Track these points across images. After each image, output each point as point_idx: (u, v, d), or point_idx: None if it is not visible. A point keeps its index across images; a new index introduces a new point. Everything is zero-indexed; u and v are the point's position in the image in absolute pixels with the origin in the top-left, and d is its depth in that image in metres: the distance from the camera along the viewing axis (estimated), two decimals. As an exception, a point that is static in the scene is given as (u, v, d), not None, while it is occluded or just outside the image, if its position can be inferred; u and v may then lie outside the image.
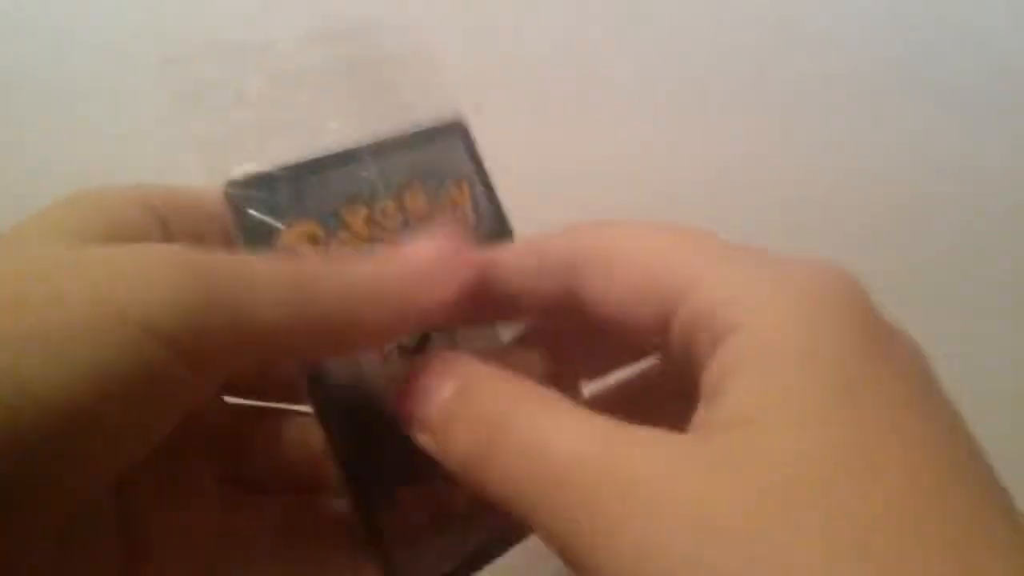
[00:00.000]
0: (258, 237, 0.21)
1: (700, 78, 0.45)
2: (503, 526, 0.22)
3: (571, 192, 0.45)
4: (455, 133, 0.23)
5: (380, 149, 0.23)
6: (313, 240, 0.22)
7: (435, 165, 0.23)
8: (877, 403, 0.15)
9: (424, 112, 0.24)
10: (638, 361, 0.24)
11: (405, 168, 0.23)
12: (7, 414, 0.13)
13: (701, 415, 0.17)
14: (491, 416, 0.18)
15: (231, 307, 0.16)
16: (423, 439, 0.20)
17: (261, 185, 0.21)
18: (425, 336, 0.23)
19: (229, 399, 0.24)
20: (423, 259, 0.20)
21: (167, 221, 0.20)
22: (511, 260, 0.21)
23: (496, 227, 0.24)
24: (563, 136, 0.45)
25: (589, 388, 0.25)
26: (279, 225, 0.21)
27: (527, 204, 0.46)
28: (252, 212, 0.21)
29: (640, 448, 0.16)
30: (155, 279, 0.16)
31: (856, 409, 0.15)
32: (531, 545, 0.20)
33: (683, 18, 0.45)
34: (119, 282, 0.15)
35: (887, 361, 0.16)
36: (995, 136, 0.46)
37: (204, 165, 0.21)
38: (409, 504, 0.22)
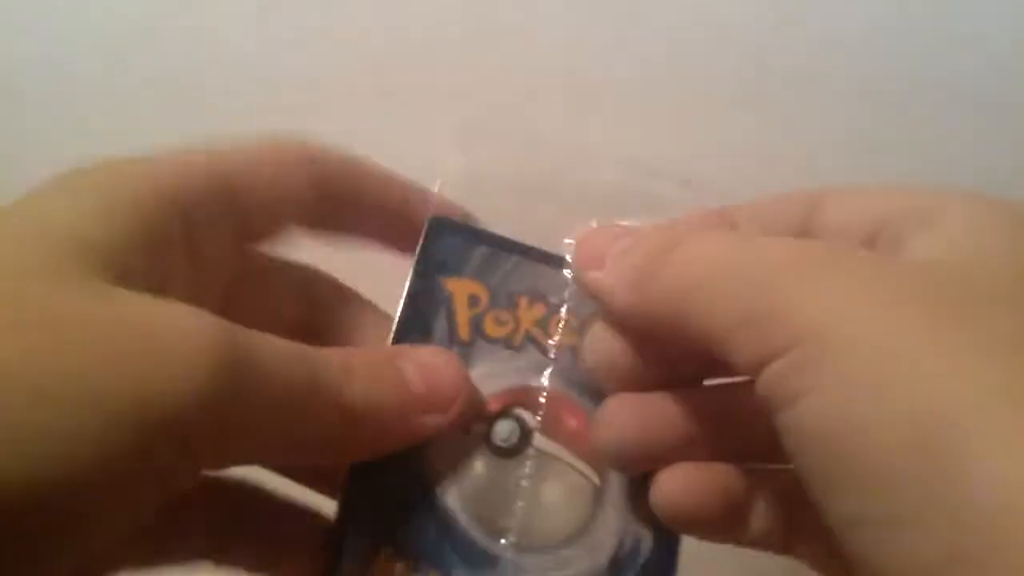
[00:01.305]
0: (433, 268, 0.23)
1: (700, 78, 0.45)
2: None
3: (571, 192, 0.45)
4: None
5: None
6: (472, 302, 0.23)
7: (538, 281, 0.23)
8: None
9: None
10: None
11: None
12: None
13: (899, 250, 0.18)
14: (661, 240, 0.19)
15: (248, 412, 0.16)
16: (592, 276, 0.20)
17: (466, 232, 0.23)
18: (520, 444, 0.22)
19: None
20: (423, 383, 0.20)
21: (184, 212, 0.19)
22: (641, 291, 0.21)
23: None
24: (562, 136, 0.45)
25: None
26: (455, 271, 0.23)
27: (527, 203, 0.46)
28: (441, 246, 0.22)
29: (826, 249, 0.17)
30: (185, 374, 0.15)
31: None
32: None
33: (683, 18, 0.45)
34: (147, 372, 0.14)
35: None
36: (996, 136, 0.46)
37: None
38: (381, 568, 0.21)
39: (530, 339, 0.23)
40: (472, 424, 0.22)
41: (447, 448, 0.22)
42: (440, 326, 0.22)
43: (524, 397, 0.22)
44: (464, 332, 0.22)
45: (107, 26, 0.44)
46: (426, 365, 0.20)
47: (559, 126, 0.45)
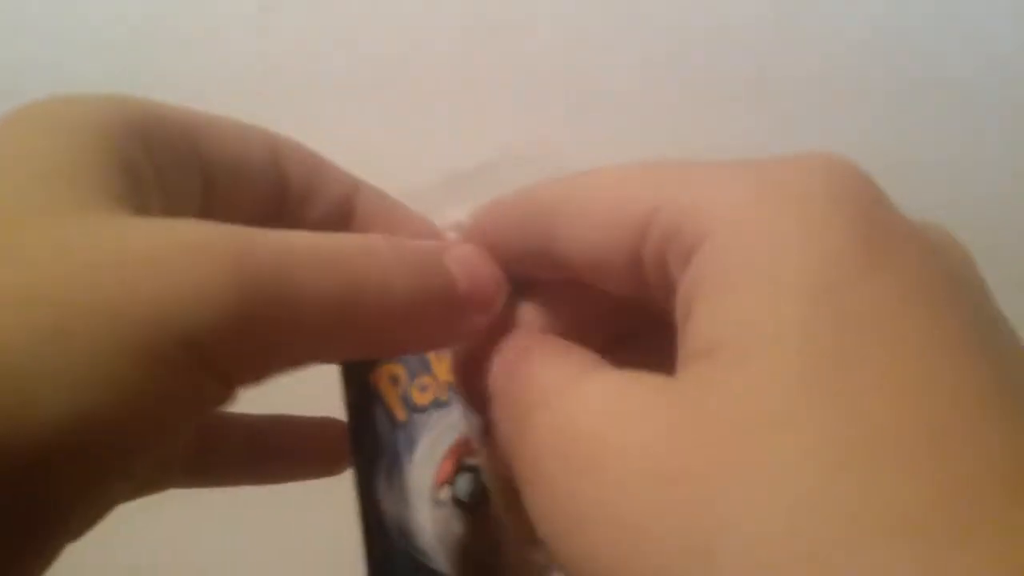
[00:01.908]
0: (356, 370, 0.23)
1: (700, 78, 0.45)
2: None
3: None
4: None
5: None
6: (394, 381, 0.23)
7: None
8: (868, 325, 0.12)
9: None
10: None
11: None
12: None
13: (679, 340, 0.15)
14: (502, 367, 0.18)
15: (275, 324, 0.15)
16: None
17: None
18: (484, 491, 0.22)
19: None
20: (468, 281, 0.18)
21: (151, 148, 0.18)
22: (498, 219, 0.20)
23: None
24: (562, 137, 0.45)
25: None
26: (373, 363, 0.23)
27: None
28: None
29: (594, 391, 0.14)
30: (206, 292, 0.14)
31: (840, 331, 0.12)
32: None
33: (683, 18, 0.45)
34: (167, 293, 0.14)
35: (886, 261, 0.13)
36: (996, 137, 0.46)
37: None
38: None
39: (451, 389, 0.22)
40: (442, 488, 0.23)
41: (430, 520, 0.22)
42: (381, 419, 0.22)
43: (468, 447, 0.22)
44: (400, 413, 0.22)
45: (108, 27, 0.44)
46: (467, 262, 0.19)
47: (559, 126, 0.45)
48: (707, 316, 0.14)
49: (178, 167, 0.18)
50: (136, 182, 0.17)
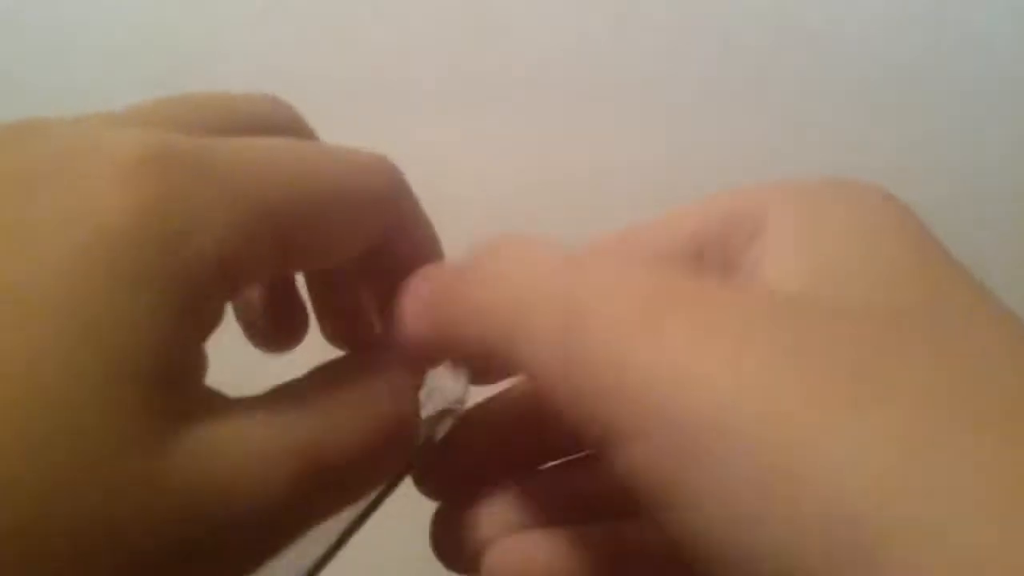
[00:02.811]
0: None
1: (699, 79, 0.45)
2: None
3: (569, 193, 0.45)
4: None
5: None
6: None
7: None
8: (946, 279, 0.14)
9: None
10: None
11: None
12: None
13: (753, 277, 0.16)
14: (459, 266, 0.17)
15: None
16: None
17: None
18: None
19: None
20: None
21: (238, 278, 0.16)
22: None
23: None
24: (561, 137, 0.45)
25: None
26: None
27: (527, 204, 0.46)
28: None
29: (686, 274, 0.15)
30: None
31: (904, 276, 0.14)
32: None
33: (683, 19, 0.45)
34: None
35: (943, 261, 0.15)
36: (995, 137, 0.46)
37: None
38: None
39: None
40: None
41: None
42: None
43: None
44: None
45: (109, 28, 0.44)
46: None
47: (558, 127, 0.45)
48: (790, 254, 0.15)
49: (257, 255, 0.16)
50: (203, 330, 0.15)
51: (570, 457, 0.21)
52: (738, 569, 0.12)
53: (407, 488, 0.21)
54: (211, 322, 0.15)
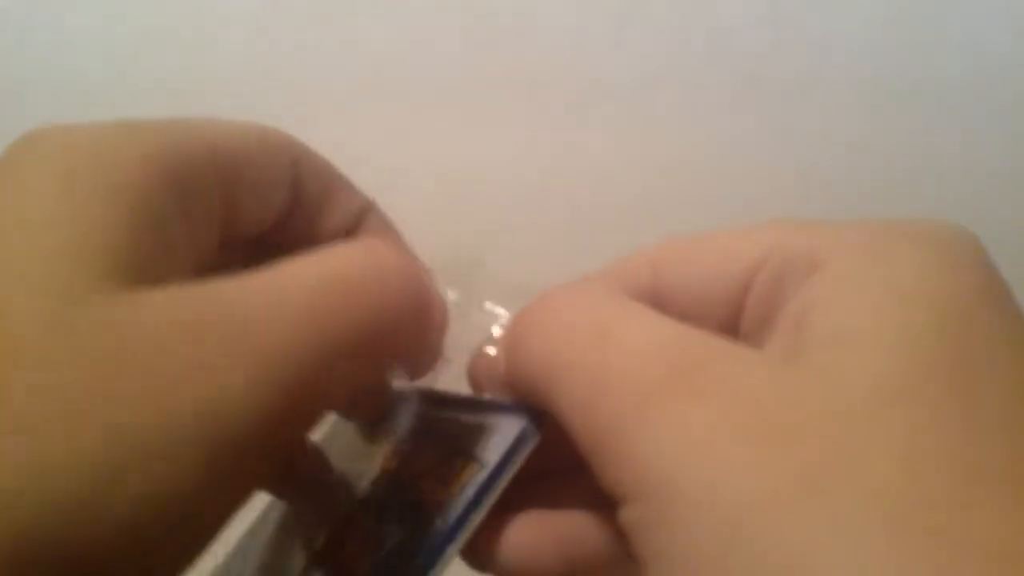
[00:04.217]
0: None
1: (697, 80, 0.45)
2: None
3: (568, 194, 0.45)
4: (518, 430, 0.20)
5: (442, 401, 0.23)
6: None
7: (470, 436, 0.21)
8: (986, 338, 0.14)
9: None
10: None
11: (446, 425, 0.22)
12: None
13: (781, 342, 0.15)
14: (561, 302, 0.18)
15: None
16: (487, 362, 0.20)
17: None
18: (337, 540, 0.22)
19: None
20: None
21: (181, 193, 0.17)
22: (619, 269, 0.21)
23: (440, 534, 0.19)
24: (561, 138, 0.45)
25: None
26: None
27: (525, 205, 0.46)
28: None
29: (712, 341, 0.15)
30: (234, 382, 0.14)
31: (964, 337, 0.14)
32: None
33: (681, 20, 0.45)
34: (201, 389, 0.14)
35: (1003, 309, 0.14)
36: (994, 136, 0.46)
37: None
38: None
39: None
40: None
41: None
42: None
43: None
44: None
45: (109, 27, 0.44)
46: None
47: (558, 127, 0.45)
48: (830, 318, 0.15)
49: (204, 200, 0.18)
50: (163, 240, 0.16)
51: None
52: None
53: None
54: (163, 224, 0.16)
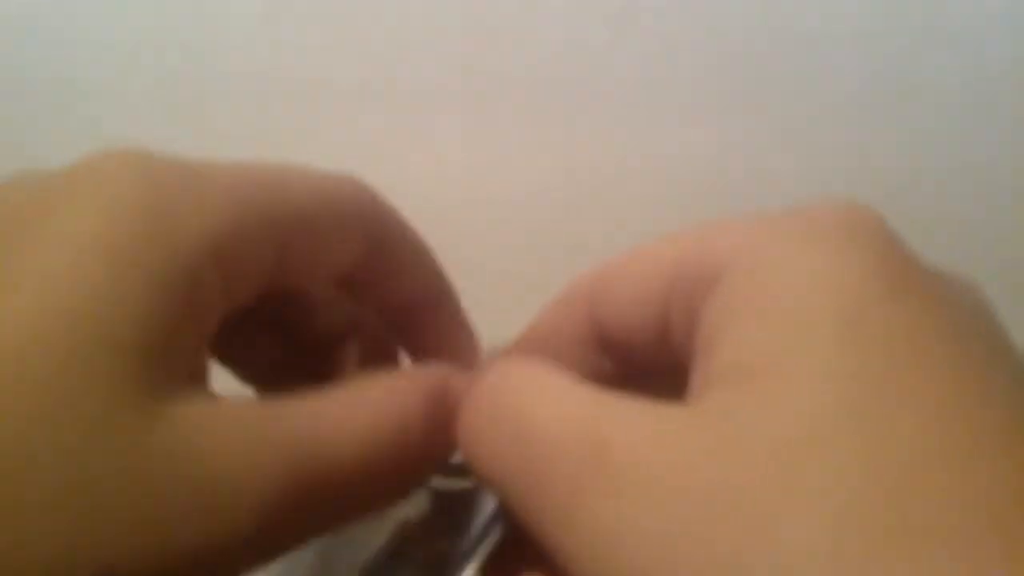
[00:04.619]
0: None
1: (695, 82, 0.45)
2: None
3: (568, 195, 0.45)
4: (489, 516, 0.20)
5: None
6: None
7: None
8: (894, 348, 0.13)
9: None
10: None
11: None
12: None
13: (694, 376, 0.15)
14: (480, 389, 0.17)
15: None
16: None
17: None
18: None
19: None
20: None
21: (231, 273, 0.16)
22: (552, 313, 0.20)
23: None
24: (560, 139, 0.45)
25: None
26: None
27: (527, 204, 0.46)
28: None
29: (621, 414, 0.14)
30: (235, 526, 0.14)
31: (867, 354, 0.13)
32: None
33: (678, 22, 0.45)
34: (203, 524, 0.14)
35: (905, 291, 0.13)
36: (990, 142, 0.46)
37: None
38: None
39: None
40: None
41: None
42: None
43: None
44: None
45: (111, 31, 0.44)
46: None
47: (557, 128, 0.45)
48: (732, 343, 0.14)
49: (252, 276, 0.17)
50: (203, 322, 0.16)
51: None
52: None
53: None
54: (205, 311, 0.16)
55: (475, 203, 0.44)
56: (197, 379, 0.16)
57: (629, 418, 0.14)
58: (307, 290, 0.21)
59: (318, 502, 0.15)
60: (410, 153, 0.44)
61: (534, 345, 0.19)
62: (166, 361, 0.14)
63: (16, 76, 0.43)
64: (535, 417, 0.15)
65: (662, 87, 0.45)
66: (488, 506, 0.19)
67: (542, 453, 0.14)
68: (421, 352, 0.23)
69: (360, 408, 0.16)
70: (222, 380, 0.19)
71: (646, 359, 0.18)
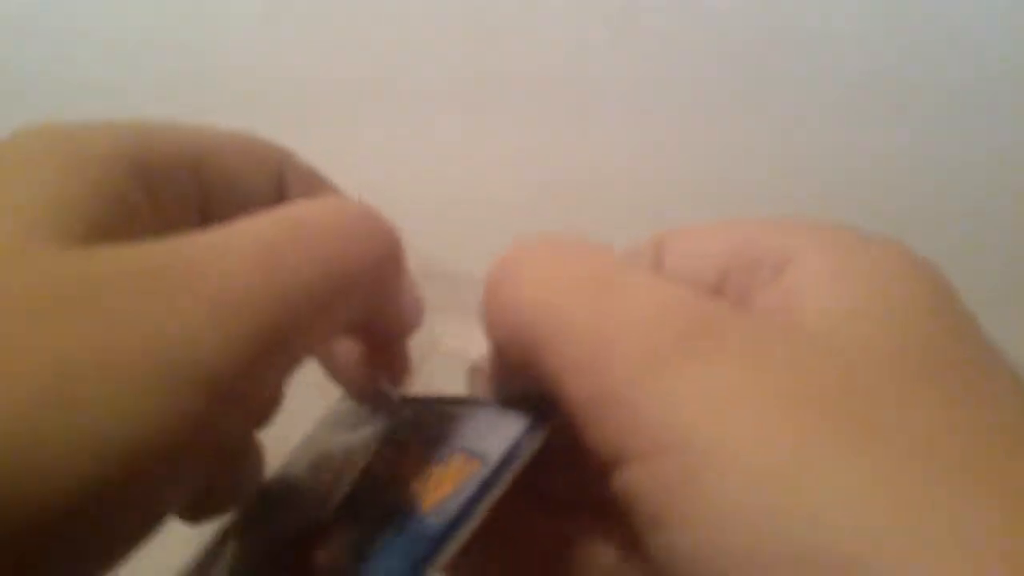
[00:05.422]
0: None
1: (694, 82, 0.46)
2: None
3: (567, 194, 0.45)
4: (523, 424, 0.18)
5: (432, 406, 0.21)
6: None
7: (465, 433, 0.19)
8: (952, 322, 0.14)
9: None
10: None
11: (436, 423, 0.20)
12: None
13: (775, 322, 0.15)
14: (513, 253, 0.17)
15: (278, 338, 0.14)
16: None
17: None
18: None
19: None
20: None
21: (147, 177, 0.17)
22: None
23: (442, 527, 0.17)
24: (560, 139, 0.45)
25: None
26: None
27: (527, 205, 0.46)
28: None
29: (722, 306, 0.15)
30: (208, 322, 0.13)
31: (936, 319, 0.14)
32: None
33: (678, 22, 0.45)
34: (168, 321, 0.13)
35: (954, 304, 0.15)
36: (993, 137, 0.46)
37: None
38: None
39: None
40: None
41: None
42: None
43: None
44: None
45: (111, 31, 0.44)
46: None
47: (557, 127, 0.45)
48: (823, 297, 0.15)
49: (173, 189, 0.18)
50: (123, 211, 0.16)
51: None
52: None
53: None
54: (125, 206, 0.16)
55: (475, 203, 0.44)
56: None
57: (735, 311, 0.15)
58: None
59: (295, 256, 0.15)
60: (410, 153, 0.44)
61: None
62: (83, 225, 0.14)
63: (16, 76, 0.43)
64: (632, 284, 0.15)
65: (662, 87, 0.45)
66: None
67: (640, 319, 0.14)
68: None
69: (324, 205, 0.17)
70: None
71: None
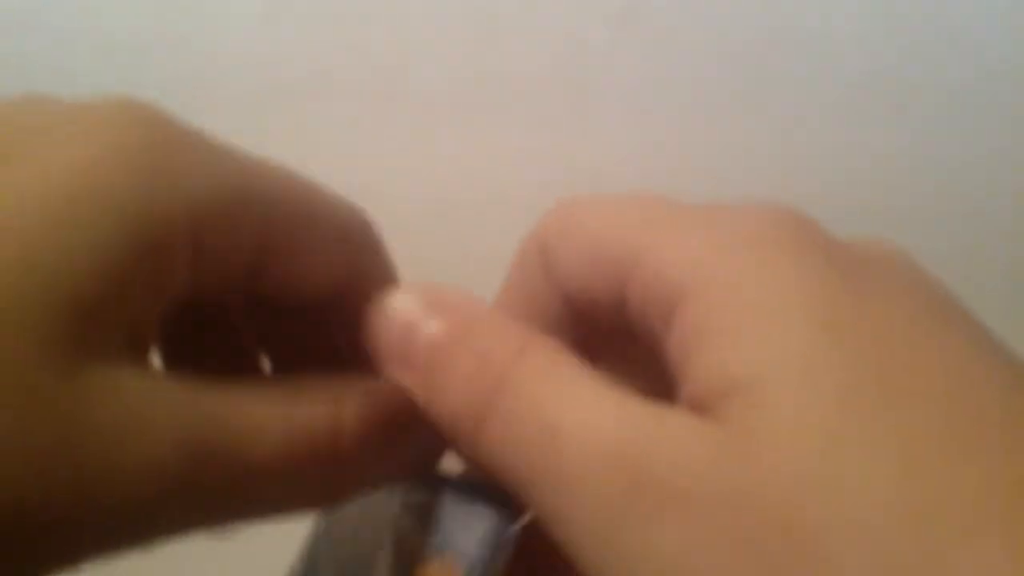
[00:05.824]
0: None
1: (694, 82, 0.46)
2: None
3: (567, 194, 0.45)
4: (496, 517, 0.18)
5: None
6: None
7: (444, 528, 0.18)
8: (875, 344, 0.13)
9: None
10: None
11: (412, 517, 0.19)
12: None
13: (690, 389, 0.15)
14: (489, 370, 0.16)
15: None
16: (407, 378, 0.17)
17: None
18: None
19: None
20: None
21: (199, 231, 0.15)
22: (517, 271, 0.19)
23: None
24: (560, 139, 0.45)
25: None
26: None
27: (525, 207, 0.46)
28: None
29: (663, 432, 0.14)
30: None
31: (853, 352, 0.13)
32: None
33: (678, 22, 0.45)
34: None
35: (865, 287, 0.14)
36: (993, 137, 0.46)
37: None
38: None
39: None
40: None
41: None
42: None
43: None
44: None
45: (112, 29, 0.44)
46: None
47: (557, 127, 0.45)
48: (722, 358, 0.14)
49: (229, 239, 0.16)
50: (153, 282, 0.15)
51: None
52: None
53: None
54: (166, 279, 0.15)
55: (475, 203, 0.44)
56: (137, 347, 0.15)
57: (660, 438, 0.14)
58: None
59: (221, 495, 0.15)
60: (410, 153, 0.44)
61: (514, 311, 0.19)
62: (102, 322, 0.14)
63: (16, 76, 0.43)
64: (563, 426, 0.14)
65: (662, 87, 0.45)
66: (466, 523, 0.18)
67: (588, 476, 0.14)
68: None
69: (281, 407, 0.16)
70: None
71: (604, 316, 0.17)
